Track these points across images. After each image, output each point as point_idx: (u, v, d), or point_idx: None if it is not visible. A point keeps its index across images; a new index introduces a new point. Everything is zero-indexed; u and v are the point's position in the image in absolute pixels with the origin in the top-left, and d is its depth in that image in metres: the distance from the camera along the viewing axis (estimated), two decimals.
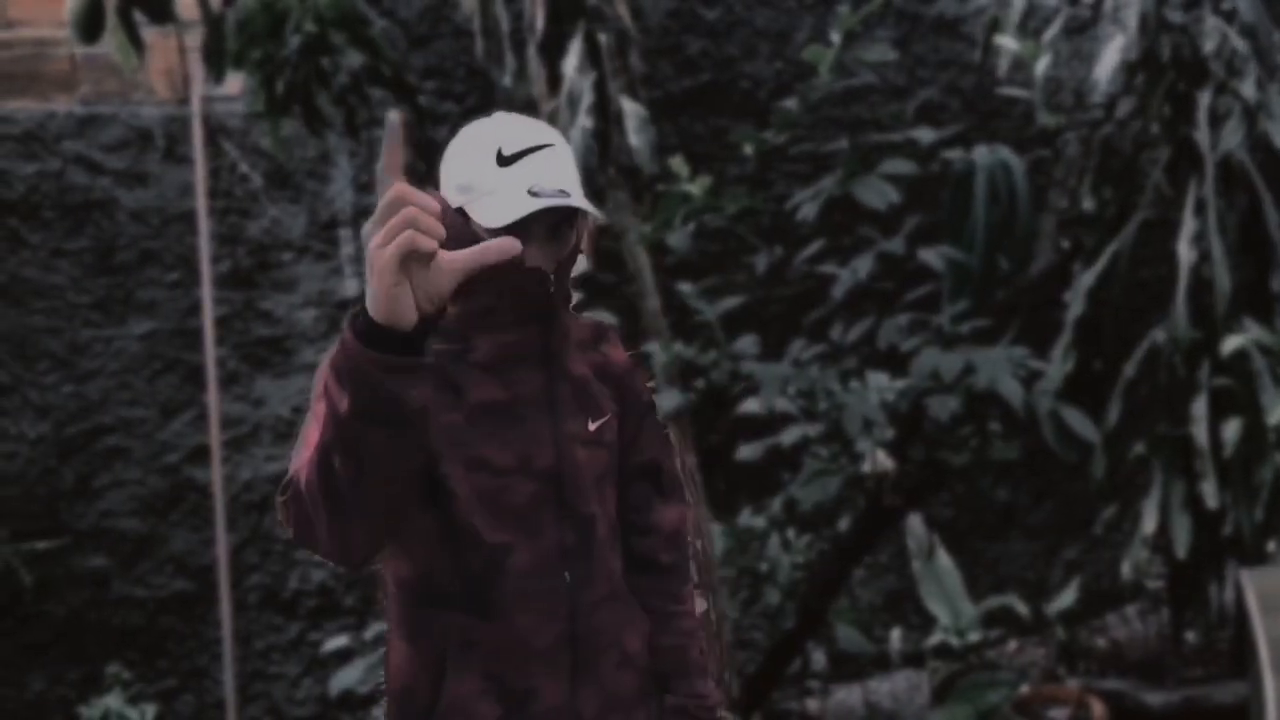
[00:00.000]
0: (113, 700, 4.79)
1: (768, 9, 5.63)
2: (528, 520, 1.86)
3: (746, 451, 4.40)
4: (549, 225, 1.85)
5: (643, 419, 2.04)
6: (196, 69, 4.96)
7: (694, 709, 2.02)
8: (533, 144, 1.83)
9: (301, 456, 1.71)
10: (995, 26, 4.96)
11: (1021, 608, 5.18)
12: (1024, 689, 4.85)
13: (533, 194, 1.79)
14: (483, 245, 1.57)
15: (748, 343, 4.39)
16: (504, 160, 1.81)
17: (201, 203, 5.12)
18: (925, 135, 4.92)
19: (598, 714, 1.91)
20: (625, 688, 1.95)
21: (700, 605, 2.11)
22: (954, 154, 5.11)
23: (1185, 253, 4.51)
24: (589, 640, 1.89)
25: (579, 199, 1.83)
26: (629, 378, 2.03)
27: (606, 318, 2.92)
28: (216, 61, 4.35)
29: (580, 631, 1.88)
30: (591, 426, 1.93)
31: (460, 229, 1.79)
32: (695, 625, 2.06)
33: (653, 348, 4.18)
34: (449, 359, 1.85)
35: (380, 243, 1.47)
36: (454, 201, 1.83)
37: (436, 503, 1.84)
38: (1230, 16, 4.64)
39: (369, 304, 1.50)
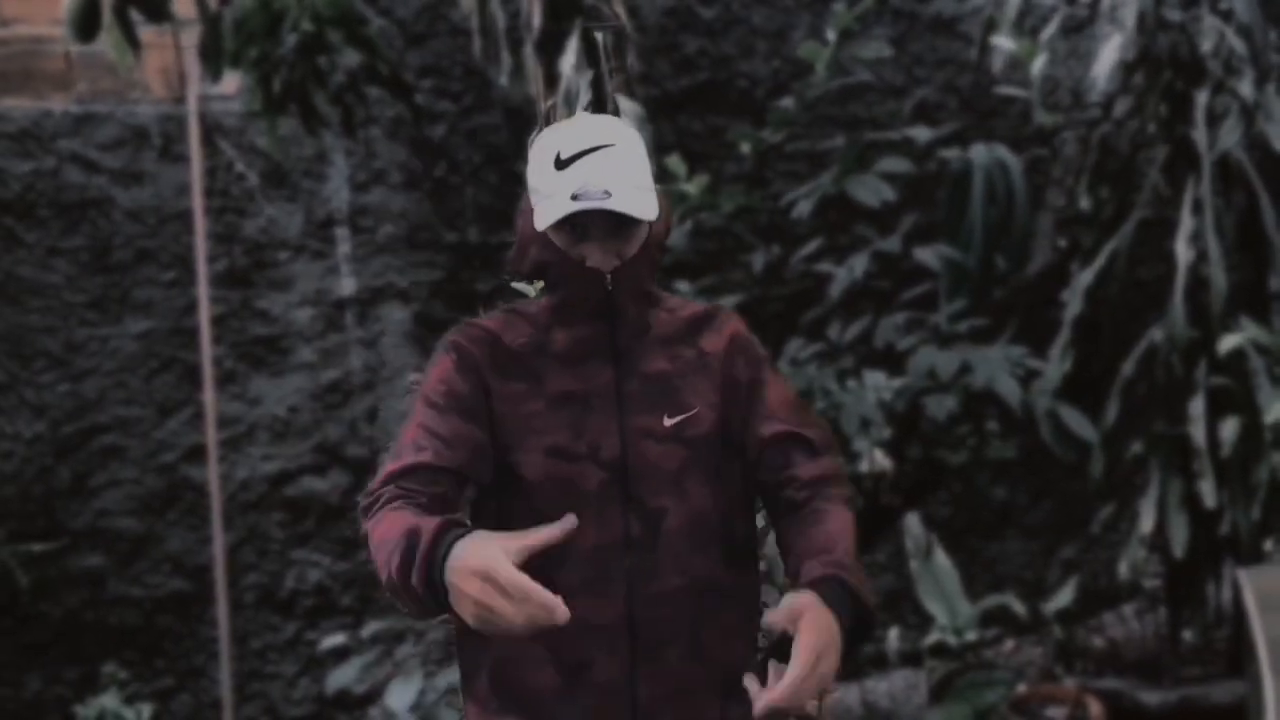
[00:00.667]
0: (109, 700, 4.78)
1: (764, 7, 5.63)
2: (594, 507, 1.87)
3: None
4: (609, 225, 1.89)
5: (752, 397, 1.99)
6: (193, 68, 4.96)
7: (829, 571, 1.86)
8: (590, 145, 1.88)
9: (387, 469, 1.86)
10: (992, 26, 4.96)
11: (1019, 607, 5.18)
12: (1021, 688, 4.84)
13: (575, 197, 1.84)
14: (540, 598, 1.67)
15: None
16: (560, 164, 1.87)
17: (198, 202, 5.11)
18: (922, 134, 4.92)
19: (656, 698, 1.90)
20: (693, 680, 1.92)
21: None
22: (951, 153, 5.10)
23: (1183, 252, 4.51)
24: (651, 627, 1.89)
25: (621, 200, 1.85)
26: (729, 362, 2.00)
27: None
28: (213, 60, 4.35)
29: (641, 617, 1.88)
30: (668, 422, 1.92)
31: (531, 232, 1.93)
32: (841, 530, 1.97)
33: None
34: (532, 349, 1.94)
35: (501, 614, 1.64)
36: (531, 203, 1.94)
37: (504, 489, 1.90)
38: (1228, 16, 4.64)
39: (461, 614, 1.69)
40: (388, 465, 1.86)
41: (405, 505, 1.79)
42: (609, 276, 1.91)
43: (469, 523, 1.82)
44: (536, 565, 1.75)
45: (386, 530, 1.77)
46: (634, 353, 1.95)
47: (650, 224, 1.93)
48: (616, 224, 1.89)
